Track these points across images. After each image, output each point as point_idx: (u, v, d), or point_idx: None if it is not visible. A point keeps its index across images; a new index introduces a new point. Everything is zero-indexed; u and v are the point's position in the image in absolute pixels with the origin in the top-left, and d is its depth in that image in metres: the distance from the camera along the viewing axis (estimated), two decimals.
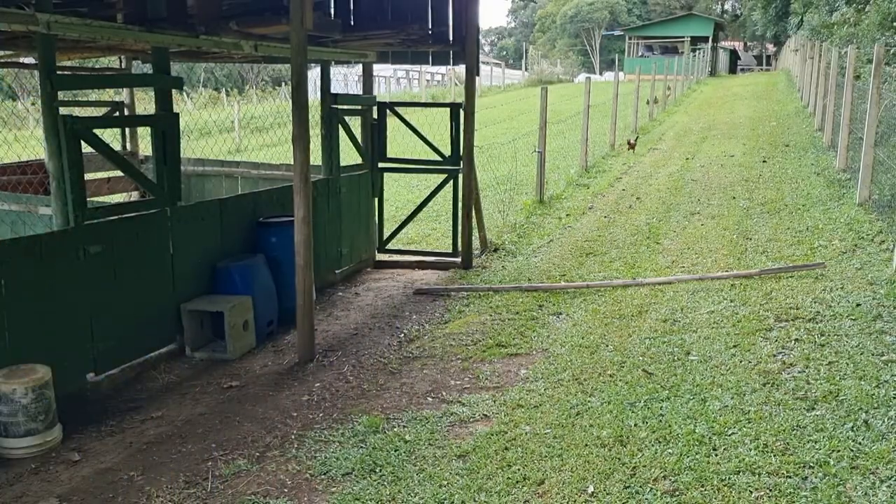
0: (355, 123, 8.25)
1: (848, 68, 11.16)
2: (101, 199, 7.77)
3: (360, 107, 8.20)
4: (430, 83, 51.73)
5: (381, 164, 8.51)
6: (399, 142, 9.91)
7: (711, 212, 9.77)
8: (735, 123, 19.73)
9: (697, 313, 5.97)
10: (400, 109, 8.69)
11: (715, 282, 6.73)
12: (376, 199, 8.58)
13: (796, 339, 5.22)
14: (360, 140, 8.24)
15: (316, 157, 7.03)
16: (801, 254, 7.46)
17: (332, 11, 7.99)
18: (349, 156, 8.21)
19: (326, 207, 7.45)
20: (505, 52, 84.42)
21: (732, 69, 53.33)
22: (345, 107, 7.90)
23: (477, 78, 8.65)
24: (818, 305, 5.86)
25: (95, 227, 4.89)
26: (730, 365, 4.88)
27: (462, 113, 8.06)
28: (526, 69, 51.08)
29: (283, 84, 62.87)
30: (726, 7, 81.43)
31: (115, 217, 5.10)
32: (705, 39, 44.55)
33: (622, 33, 53.67)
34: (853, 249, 7.33)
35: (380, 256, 8.69)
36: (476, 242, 8.74)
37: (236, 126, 24.59)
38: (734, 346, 5.19)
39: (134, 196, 8.85)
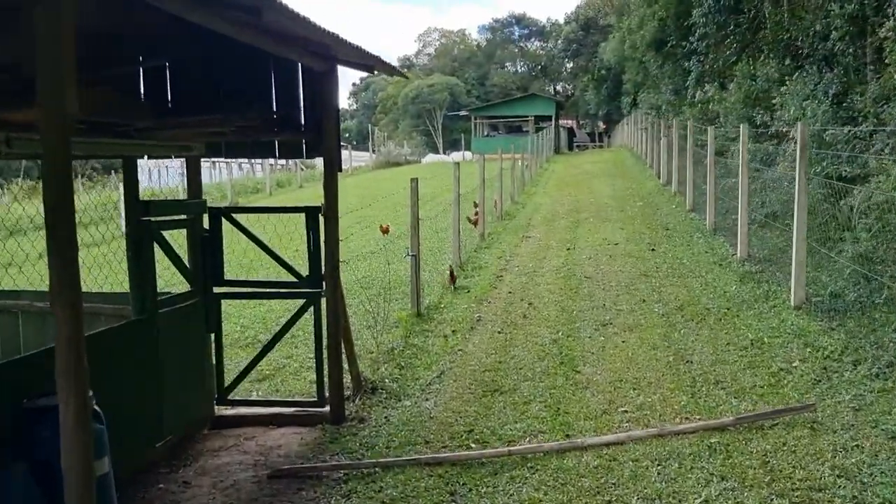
0: (179, 238, 6.08)
1: (741, 150, 10.22)
2: None
3: (184, 216, 6.03)
4: (275, 167, 49.43)
5: (217, 289, 6.35)
6: (244, 252, 7.78)
7: (625, 321, 8.23)
8: (601, 204, 18.93)
9: None
10: (240, 216, 6.60)
11: (682, 439, 5.01)
12: (213, 335, 6.38)
13: None
14: (187, 259, 6.06)
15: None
16: (764, 384, 5.94)
17: (143, 90, 5.92)
18: (173, 279, 6.04)
19: (136, 360, 5.19)
20: (348, 134, 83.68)
21: (570, 146, 54.86)
22: (162, 218, 5.73)
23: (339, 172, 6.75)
24: (847, 482, 4.24)
25: None
26: None
27: (321, 219, 6.13)
28: (373, 151, 49.99)
29: (114, 172, 58.67)
30: (558, 88, 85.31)
31: None
32: (548, 118, 45.33)
33: (467, 113, 54.07)
34: (827, 376, 5.89)
35: (221, 410, 6.42)
36: (347, 379, 6.71)
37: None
38: None
39: None
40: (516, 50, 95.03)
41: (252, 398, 6.71)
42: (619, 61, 39.87)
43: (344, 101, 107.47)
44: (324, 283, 6.24)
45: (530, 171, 27.32)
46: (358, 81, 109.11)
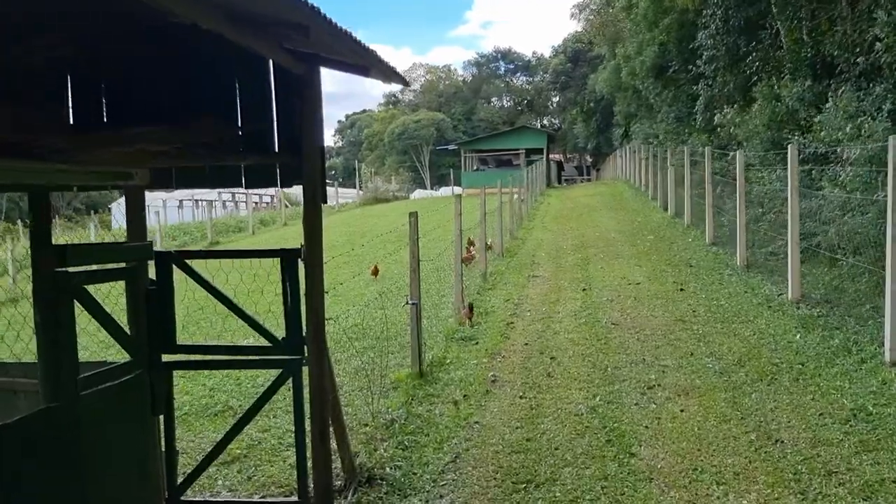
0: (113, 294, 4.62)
1: (790, 174, 8.86)
2: None
3: (120, 264, 4.56)
4: (259, 205, 47.85)
5: (167, 358, 4.89)
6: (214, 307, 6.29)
7: (676, 382, 6.77)
8: (608, 239, 17.55)
9: None
10: (202, 262, 5.14)
11: None
12: (161, 418, 4.90)
13: None
14: (127, 320, 4.59)
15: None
16: (893, 477, 4.49)
17: (70, 100, 4.53)
18: (105, 348, 4.55)
19: (47, 462, 3.68)
20: (334, 172, 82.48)
21: (559, 180, 53.75)
22: (87, 268, 4.24)
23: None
24: None
25: None
26: None
27: (302, 265, 4.73)
28: (360, 187, 48.68)
29: (93, 212, 56.90)
30: (545, 122, 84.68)
31: None
32: (539, 151, 44.21)
33: (456, 147, 52.90)
34: None
35: None
36: (337, 466, 5.26)
37: (10, 270, 19.62)
38: None
39: None
40: (502, 85, 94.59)
41: (214, 500, 5.18)
42: (612, 91, 38.86)
43: (329, 139, 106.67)
44: (305, 348, 4.81)
45: (526, 206, 26.01)
46: (343, 119, 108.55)
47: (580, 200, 30.01)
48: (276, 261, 4.77)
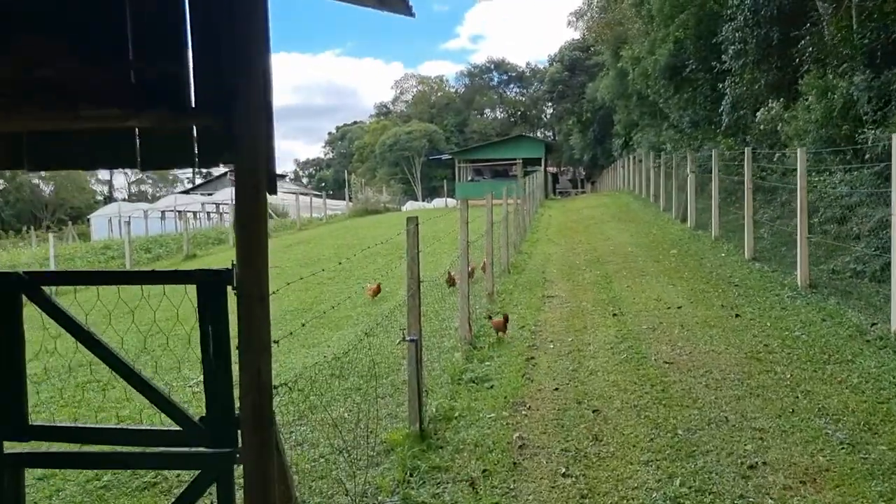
0: None
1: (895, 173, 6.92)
2: None
3: None
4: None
5: (10, 448, 2.92)
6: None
7: (788, 457, 4.76)
8: (625, 254, 15.58)
9: None
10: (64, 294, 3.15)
11: None
12: None
13: None
14: None
15: None
16: None
17: None
18: None
19: None
20: (324, 184, 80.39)
21: (554, 192, 51.89)
22: None
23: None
24: None
25: None
26: None
27: (231, 296, 2.76)
28: (350, 198, 46.66)
29: (72, 223, 54.48)
30: (538, 134, 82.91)
31: None
32: (537, 161, 42.28)
33: (450, 157, 50.89)
34: None
35: None
36: None
37: None
38: None
39: None
40: (495, 96, 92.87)
41: None
42: (614, 99, 37.02)
43: (319, 151, 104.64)
44: (238, 438, 2.86)
45: (528, 217, 24.06)
46: (333, 130, 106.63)
47: (584, 212, 28.07)
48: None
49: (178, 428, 2.98)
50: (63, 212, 77.03)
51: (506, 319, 8.94)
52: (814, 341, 7.42)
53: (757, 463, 4.72)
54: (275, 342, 3.04)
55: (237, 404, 2.81)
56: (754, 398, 5.95)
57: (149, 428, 3.31)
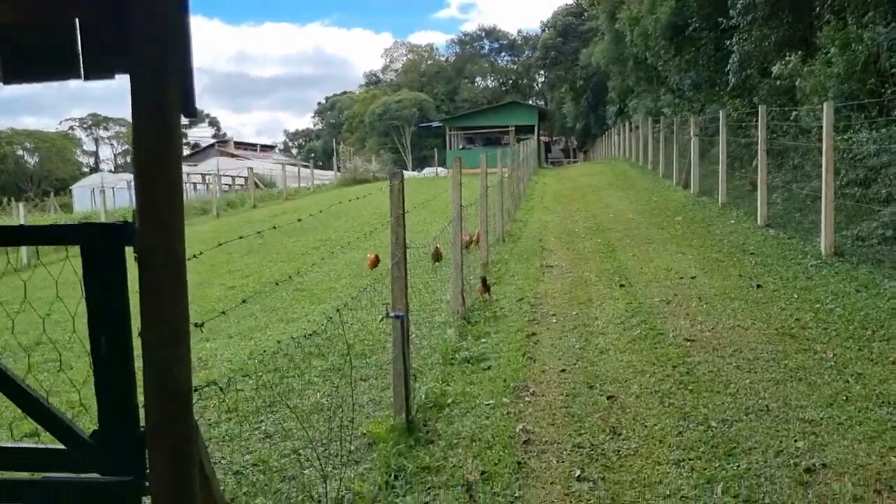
0: None
1: None
2: None
3: None
4: (233, 187, 44.37)
5: None
6: None
7: (853, 458, 3.95)
8: (626, 221, 14.73)
9: None
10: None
11: None
12: None
13: None
14: None
15: None
16: None
17: None
18: None
19: None
20: (314, 155, 78.90)
21: (546, 161, 50.85)
22: None
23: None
24: None
25: None
26: None
27: (136, 262, 1.83)
28: (338, 168, 45.55)
29: (54, 193, 53.12)
30: (530, 103, 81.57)
31: None
32: (530, 129, 41.20)
33: (441, 124, 49.70)
34: None
35: None
36: None
37: None
38: None
39: None
40: (486, 64, 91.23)
41: None
42: (608, 64, 35.91)
43: (308, 121, 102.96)
44: (146, 455, 1.96)
45: (522, 185, 23.16)
46: (323, 101, 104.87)
47: (580, 180, 27.18)
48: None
49: (62, 447, 2.13)
50: (48, 183, 75.43)
51: (483, 281, 8.83)
52: (851, 315, 6.61)
53: (815, 465, 3.91)
54: (197, 325, 2.19)
55: (143, 414, 1.97)
56: (796, 382, 5.14)
57: (26, 446, 2.45)
